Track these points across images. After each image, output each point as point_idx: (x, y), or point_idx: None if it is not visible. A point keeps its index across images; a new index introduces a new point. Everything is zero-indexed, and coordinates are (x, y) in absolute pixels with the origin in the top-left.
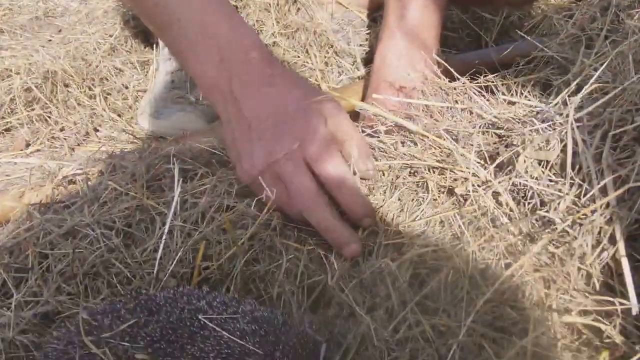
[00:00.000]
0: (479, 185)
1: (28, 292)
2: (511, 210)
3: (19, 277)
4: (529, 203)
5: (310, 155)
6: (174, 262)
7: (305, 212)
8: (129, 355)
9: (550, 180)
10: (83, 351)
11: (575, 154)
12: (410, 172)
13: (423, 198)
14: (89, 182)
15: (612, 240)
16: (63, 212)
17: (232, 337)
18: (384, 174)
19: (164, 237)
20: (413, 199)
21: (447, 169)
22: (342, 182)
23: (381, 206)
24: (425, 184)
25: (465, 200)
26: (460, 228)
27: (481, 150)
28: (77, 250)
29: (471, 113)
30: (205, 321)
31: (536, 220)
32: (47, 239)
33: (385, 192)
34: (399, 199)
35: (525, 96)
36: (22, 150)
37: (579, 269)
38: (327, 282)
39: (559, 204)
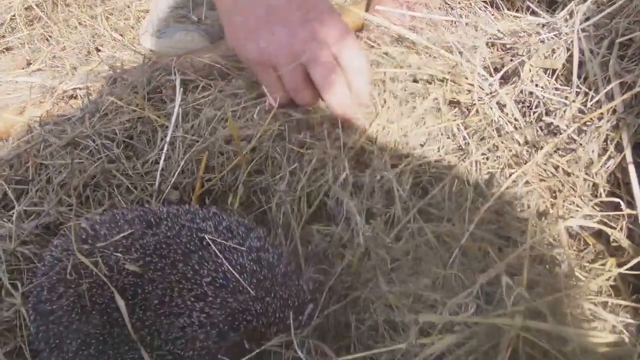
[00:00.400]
0: (484, 95)
1: (29, 203)
2: (516, 119)
3: (20, 189)
4: (534, 112)
5: (335, 41)
6: (176, 174)
7: (326, 89)
8: (120, 265)
9: (556, 89)
10: (76, 259)
11: (581, 63)
12: (414, 81)
13: (426, 109)
14: (90, 96)
15: (619, 147)
16: (63, 124)
17: (231, 269)
18: (384, 84)
19: (165, 148)
20: (415, 109)
21: (451, 80)
22: (361, 71)
23: (381, 116)
24: (429, 94)
25: (469, 110)
26: (464, 139)
27: (486, 63)
28: (77, 161)
29: (476, 29)
30: (210, 242)
31: (541, 128)
32: (47, 151)
33: (385, 102)
34: (401, 109)
35: (532, 11)
36: (23, 69)
37: (585, 179)
38: (329, 186)
39: (564, 111)
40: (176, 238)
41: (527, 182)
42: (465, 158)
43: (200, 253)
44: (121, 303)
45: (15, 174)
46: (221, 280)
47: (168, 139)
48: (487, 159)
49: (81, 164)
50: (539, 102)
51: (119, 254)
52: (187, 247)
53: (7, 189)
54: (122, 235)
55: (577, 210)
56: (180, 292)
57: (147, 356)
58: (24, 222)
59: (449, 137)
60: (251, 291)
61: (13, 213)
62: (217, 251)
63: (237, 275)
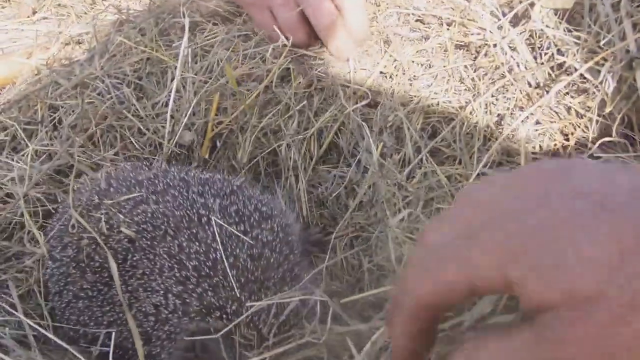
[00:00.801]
0: (493, 36)
1: (39, 144)
2: (527, 61)
3: (30, 130)
4: (545, 53)
5: None
6: (188, 114)
7: (324, 35)
8: (118, 226)
9: (568, 30)
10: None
11: (592, 5)
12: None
13: (434, 48)
14: (97, 39)
15: (632, 89)
16: (72, 66)
17: (224, 259)
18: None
19: (173, 89)
20: (423, 51)
21: (460, 24)
22: (358, 8)
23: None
24: (438, 35)
25: (479, 52)
26: (473, 81)
27: (495, 6)
28: (87, 102)
29: None
30: (214, 223)
31: (553, 69)
32: (56, 92)
33: (391, 43)
34: (408, 50)
35: None
36: (28, 17)
37: (598, 120)
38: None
39: (577, 51)
40: (175, 209)
41: (537, 123)
42: (474, 99)
43: (193, 230)
44: (113, 265)
45: (24, 116)
46: (207, 270)
47: (178, 77)
48: (497, 100)
49: (92, 105)
50: (550, 43)
51: (120, 215)
52: (180, 221)
53: (19, 129)
54: (125, 198)
55: (588, 152)
56: (161, 269)
57: (132, 321)
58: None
59: (458, 79)
60: (236, 290)
61: (23, 155)
62: (216, 233)
63: (228, 269)
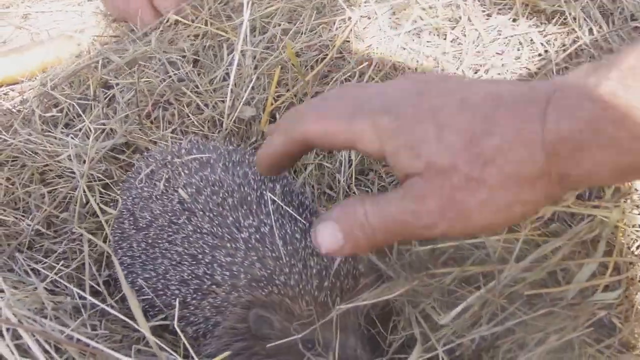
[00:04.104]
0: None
1: (95, 122)
2: (600, 27)
3: (82, 106)
4: (618, 19)
5: None
6: (248, 89)
7: None
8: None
9: None
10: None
11: None
12: None
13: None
14: None
15: None
16: (124, 43)
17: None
18: None
19: (235, 61)
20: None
21: None
22: None
23: None
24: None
25: (550, 20)
26: (543, 45)
27: None
28: (143, 80)
29: None
30: (269, 200)
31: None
32: (108, 69)
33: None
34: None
35: None
36: None
37: None
38: None
39: None
40: (242, 185)
41: None
42: (545, 66)
43: (252, 207)
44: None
45: (75, 93)
46: (255, 242)
47: (238, 50)
48: (568, 68)
49: (147, 82)
50: (623, 8)
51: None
52: (242, 196)
53: (76, 104)
54: (192, 157)
55: None
56: (211, 236)
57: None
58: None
59: (528, 45)
60: (284, 259)
61: (77, 131)
62: (271, 211)
63: (277, 237)
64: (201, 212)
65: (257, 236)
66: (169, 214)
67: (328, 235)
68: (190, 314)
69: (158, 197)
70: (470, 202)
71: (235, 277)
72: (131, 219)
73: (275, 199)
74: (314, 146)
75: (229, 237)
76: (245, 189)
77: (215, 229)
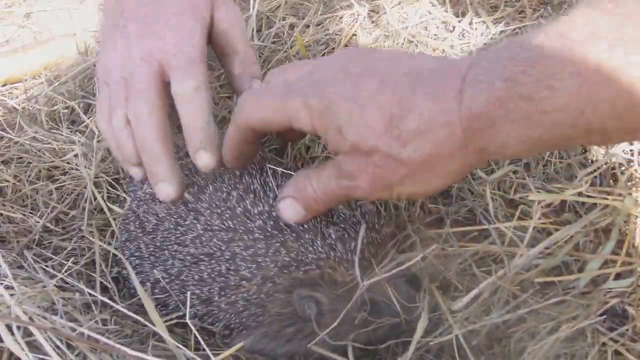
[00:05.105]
0: None
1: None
2: None
3: (87, 104)
4: None
5: (167, 64)
6: None
7: (133, 123)
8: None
9: None
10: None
11: None
12: None
13: None
14: None
15: None
16: None
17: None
18: None
19: None
20: None
21: None
22: (189, 98)
23: None
24: None
25: None
26: None
27: None
28: None
29: None
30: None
31: None
32: None
33: None
34: None
35: None
36: None
37: None
38: None
39: None
40: (243, 175)
41: None
42: None
43: (258, 194)
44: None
45: (80, 90)
46: (271, 229)
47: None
48: None
49: None
50: None
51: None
52: (247, 186)
53: (81, 102)
54: None
55: None
56: (224, 231)
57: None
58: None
59: None
60: (303, 236)
61: (83, 128)
62: (274, 187)
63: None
64: (208, 210)
65: (272, 222)
66: (174, 216)
67: (291, 211)
68: (219, 311)
69: (152, 199)
70: (393, 178)
71: (263, 269)
72: (137, 222)
73: (277, 168)
74: (259, 131)
75: (243, 228)
76: (247, 178)
77: (226, 223)
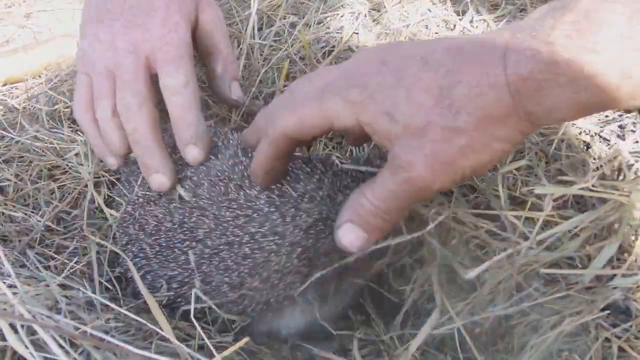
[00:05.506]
0: None
1: None
2: None
3: None
4: None
5: (154, 56)
6: (256, 83)
7: (123, 116)
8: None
9: None
10: None
11: None
12: None
13: None
14: None
15: None
16: None
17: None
18: None
19: (243, 56)
20: None
21: None
22: (179, 91)
23: None
24: None
25: None
26: None
27: None
28: None
29: None
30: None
31: None
32: None
33: None
34: None
35: None
36: None
37: None
38: None
39: None
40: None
41: None
42: None
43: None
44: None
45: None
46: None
47: (247, 42)
48: None
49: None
50: None
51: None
52: (242, 175)
53: None
54: None
55: None
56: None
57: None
58: None
59: None
60: (315, 195)
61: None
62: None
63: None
64: (214, 205)
65: (276, 192)
66: (176, 216)
67: (352, 237)
68: (254, 291)
69: (157, 202)
70: (451, 150)
71: (286, 236)
72: (136, 225)
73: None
74: (296, 140)
75: (251, 211)
76: (240, 167)
77: (237, 212)
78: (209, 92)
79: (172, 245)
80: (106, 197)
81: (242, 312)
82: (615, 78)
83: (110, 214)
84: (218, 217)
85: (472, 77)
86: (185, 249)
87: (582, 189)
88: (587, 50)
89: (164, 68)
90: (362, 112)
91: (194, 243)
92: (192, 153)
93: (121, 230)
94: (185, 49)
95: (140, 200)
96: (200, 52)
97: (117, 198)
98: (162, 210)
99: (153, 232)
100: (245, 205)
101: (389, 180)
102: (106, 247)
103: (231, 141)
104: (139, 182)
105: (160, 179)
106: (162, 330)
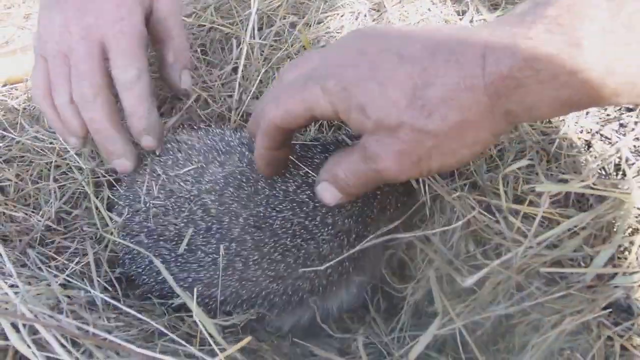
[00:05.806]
0: None
1: None
2: None
3: None
4: None
5: (107, 44)
6: (256, 83)
7: (80, 105)
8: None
9: None
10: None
11: None
12: None
13: None
14: None
15: None
16: None
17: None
18: None
19: (243, 55)
20: None
21: None
22: (130, 85)
23: None
24: None
25: None
26: None
27: None
28: None
29: None
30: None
31: None
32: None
33: None
34: None
35: None
36: None
37: None
38: None
39: None
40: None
41: None
42: None
43: (253, 186)
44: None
45: None
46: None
47: (247, 41)
48: None
49: (153, 76)
50: None
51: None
52: (235, 184)
53: None
54: (188, 169)
55: None
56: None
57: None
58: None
59: None
60: None
61: None
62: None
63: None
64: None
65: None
66: (204, 223)
67: (328, 193)
68: (303, 280)
69: (165, 213)
70: (420, 152)
71: (313, 217)
72: (152, 237)
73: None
74: (288, 130)
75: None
76: (238, 176)
77: (252, 211)
78: (209, 92)
79: (192, 249)
80: (107, 197)
81: (285, 303)
82: (599, 73)
83: (111, 219)
84: (244, 224)
85: (448, 78)
86: (213, 256)
87: (582, 187)
88: (569, 45)
89: (117, 61)
90: (338, 103)
91: (226, 243)
92: (146, 141)
93: (133, 241)
94: (138, 40)
95: (154, 210)
96: (153, 39)
97: (118, 202)
98: (174, 217)
99: (170, 239)
100: (259, 212)
101: (360, 164)
102: (105, 247)
103: (232, 142)
104: (143, 191)
105: (124, 163)
106: (205, 332)
